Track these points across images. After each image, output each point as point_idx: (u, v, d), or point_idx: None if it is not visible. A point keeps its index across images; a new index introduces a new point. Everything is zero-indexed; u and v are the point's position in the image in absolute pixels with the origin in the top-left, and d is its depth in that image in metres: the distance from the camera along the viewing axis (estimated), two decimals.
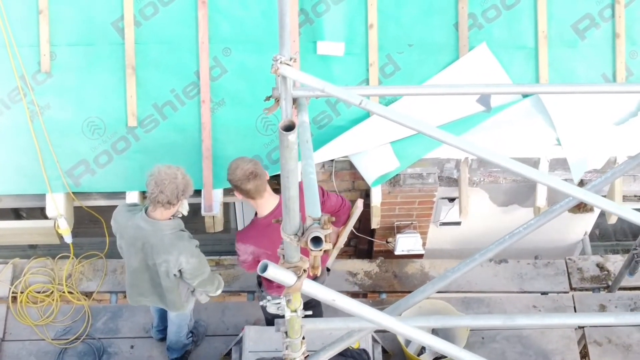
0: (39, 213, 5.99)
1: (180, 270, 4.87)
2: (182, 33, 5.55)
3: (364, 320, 3.14)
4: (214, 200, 5.58)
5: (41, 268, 6.08)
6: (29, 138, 5.53)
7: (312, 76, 4.05)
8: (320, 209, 4.68)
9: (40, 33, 5.49)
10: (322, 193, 4.99)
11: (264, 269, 2.85)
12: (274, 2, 5.39)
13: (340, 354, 4.98)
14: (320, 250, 2.77)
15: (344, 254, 6.66)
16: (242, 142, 5.59)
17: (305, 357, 3.57)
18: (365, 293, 6.14)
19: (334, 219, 2.79)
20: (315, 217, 2.83)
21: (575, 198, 3.45)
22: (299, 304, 3.19)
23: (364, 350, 5.23)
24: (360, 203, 5.27)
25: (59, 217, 5.52)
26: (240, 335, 5.45)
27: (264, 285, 5.29)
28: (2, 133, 5.53)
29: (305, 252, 4.20)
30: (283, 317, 5.43)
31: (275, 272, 2.88)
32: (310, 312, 3.37)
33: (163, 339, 5.75)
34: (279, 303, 3.21)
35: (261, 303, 3.28)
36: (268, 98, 4.40)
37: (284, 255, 2.95)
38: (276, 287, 5.17)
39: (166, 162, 5.43)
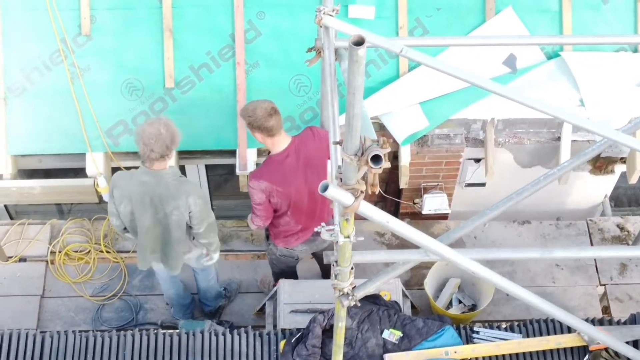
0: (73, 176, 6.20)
1: (189, 216, 4.99)
2: None
3: (420, 246, 3.31)
4: (248, 159, 5.76)
5: (78, 228, 6.27)
6: (70, 99, 5.70)
7: (353, 26, 4.23)
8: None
9: None
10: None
11: (325, 188, 3.03)
12: None
13: (374, 302, 5.19)
14: (380, 168, 2.94)
15: None
16: (276, 103, 5.74)
17: (353, 288, 3.74)
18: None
19: (391, 140, 2.95)
20: (373, 139, 3.00)
21: (609, 139, 3.63)
22: (352, 229, 3.36)
23: (396, 302, 5.40)
24: None
25: (99, 176, 5.69)
26: (275, 289, 5.62)
27: (271, 237, 5.43)
28: (43, 94, 5.71)
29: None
30: (292, 272, 5.58)
31: (334, 192, 3.05)
32: None
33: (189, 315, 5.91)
34: (332, 229, 3.37)
35: (316, 229, 3.45)
36: (310, 49, 4.58)
37: (341, 179, 3.12)
38: (282, 238, 5.33)
39: (202, 123, 5.68)
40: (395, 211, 6.62)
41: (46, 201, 5.93)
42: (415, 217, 6.44)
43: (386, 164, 2.95)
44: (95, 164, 5.70)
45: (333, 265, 3.62)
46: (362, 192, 3.09)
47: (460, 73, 3.65)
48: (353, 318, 5.01)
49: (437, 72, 5.64)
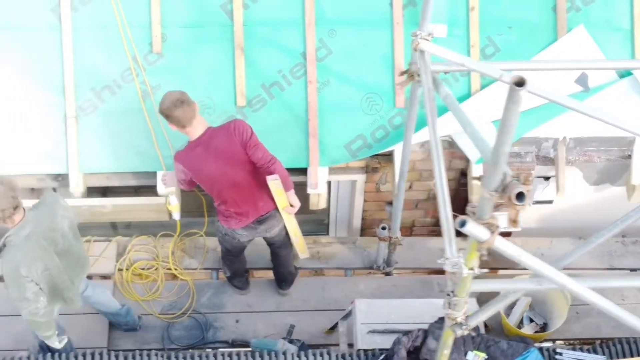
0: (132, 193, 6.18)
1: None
2: (289, 15, 5.71)
3: (547, 279, 3.30)
4: (319, 178, 5.75)
5: (143, 245, 6.24)
6: (141, 117, 5.70)
7: (451, 51, 4.22)
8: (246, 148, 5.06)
9: (152, 14, 5.65)
10: (249, 134, 5.15)
11: (462, 224, 3.02)
12: None
13: None
14: (524, 204, 2.93)
15: (430, 233, 6.82)
16: (347, 121, 5.75)
17: (466, 317, 3.73)
18: None
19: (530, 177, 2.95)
20: (513, 175, 2.99)
21: None
22: (476, 262, 3.35)
23: None
24: (272, 177, 5.12)
25: (171, 194, 5.68)
26: (350, 308, 5.61)
27: (217, 214, 5.48)
28: (114, 112, 5.70)
29: None
30: (237, 254, 5.59)
31: (472, 228, 3.04)
32: None
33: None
34: (456, 262, 3.36)
35: (439, 261, 3.44)
36: (403, 73, 4.56)
37: (473, 212, 3.10)
38: (223, 217, 5.39)
39: (273, 141, 5.65)
40: None
41: (116, 219, 5.90)
42: None
43: (529, 200, 2.93)
44: None
45: (449, 295, 3.60)
46: (497, 226, 3.07)
47: (545, 93, 3.62)
48: (437, 340, 4.99)
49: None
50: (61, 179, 5.84)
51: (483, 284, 3.67)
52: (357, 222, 6.60)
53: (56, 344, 5.13)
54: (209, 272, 6.25)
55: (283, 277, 6.05)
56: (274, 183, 5.12)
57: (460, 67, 4.27)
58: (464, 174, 6.17)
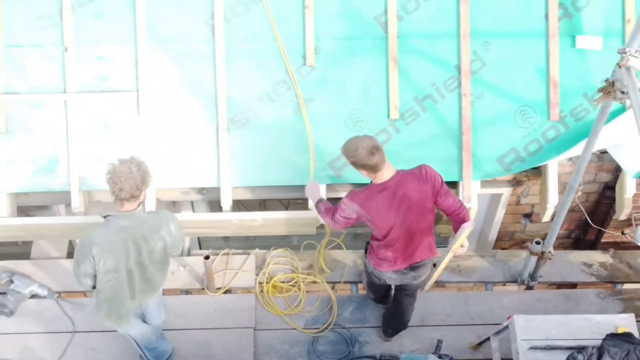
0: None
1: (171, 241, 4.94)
2: (443, 27, 5.65)
3: None
4: (472, 192, 5.68)
5: (282, 258, 6.18)
6: (292, 130, 5.64)
7: None
8: (436, 196, 4.89)
9: (306, 27, 5.60)
10: (440, 183, 4.97)
11: None
12: None
13: (629, 342, 5.10)
14: None
15: (559, 245, 6.76)
16: (500, 134, 5.68)
17: None
18: (600, 283, 6.24)
19: None
20: None
21: None
22: None
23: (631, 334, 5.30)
24: (469, 224, 4.95)
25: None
26: (505, 324, 5.54)
27: (368, 252, 5.30)
28: (266, 125, 5.63)
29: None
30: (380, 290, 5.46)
31: None
32: None
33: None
34: None
35: None
36: (601, 90, 4.49)
37: None
38: (375, 259, 5.20)
39: (425, 155, 5.59)
40: (595, 240, 6.56)
41: (264, 233, 5.83)
42: (619, 247, 6.37)
43: None
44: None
45: None
46: None
47: None
48: (613, 358, 4.94)
49: None
50: (206, 192, 5.80)
51: None
52: (493, 235, 6.55)
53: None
54: (348, 285, 6.18)
55: (394, 326, 5.81)
56: (468, 230, 4.94)
57: None
58: (609, 187, 6.11)
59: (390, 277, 5.31)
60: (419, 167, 4.96)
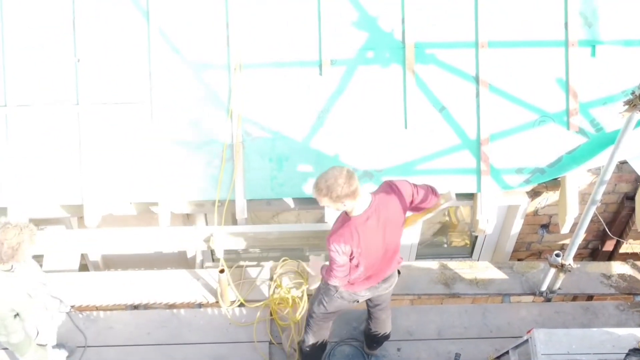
0: None
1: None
2: (461, 37, 5.58)
3: None
4: (490, 204, 5.60)
5: (293, 269, 6.08)
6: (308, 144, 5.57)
7: None
8: (411, 204, 4.77)
9: (322, 37, 5.52)
10: (412, 189, 4.84)
11: None
12: None
13: None
14: None
15: (576, 256, 6.67)
16: (519, 146, 5.58)
17: None
18: (619, 295, 6.16)
19: None
20: None
21: None
22: None
23: None
24: (452, 194, 5.00)
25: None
26: (525, 338, 5.46)
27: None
28: (281, 137, 5.56)
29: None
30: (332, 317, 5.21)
31: None
32: None
33: None
34: None
35: None
36: (626, 103, 4.42)
37: None
38: (348, 285, 4.94)
39: (443, 166, 5.53)
40: (613, 251, 6.48)
41: (278, 246, 5.76)
42: (637, 258, 6.29)
43: None
44: None
45: None
46: None
47: None
48: None
49: None
50: (220, 205, 5.72)
51: None
52: (509, 246, 6.46)
53: None
54: None
55: (376, 340, 5.63)
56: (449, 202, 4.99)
57: None
58: (628, 197, 6.03)
59: (364, 294, 5.10)
60: (386, 185, 4.77)
